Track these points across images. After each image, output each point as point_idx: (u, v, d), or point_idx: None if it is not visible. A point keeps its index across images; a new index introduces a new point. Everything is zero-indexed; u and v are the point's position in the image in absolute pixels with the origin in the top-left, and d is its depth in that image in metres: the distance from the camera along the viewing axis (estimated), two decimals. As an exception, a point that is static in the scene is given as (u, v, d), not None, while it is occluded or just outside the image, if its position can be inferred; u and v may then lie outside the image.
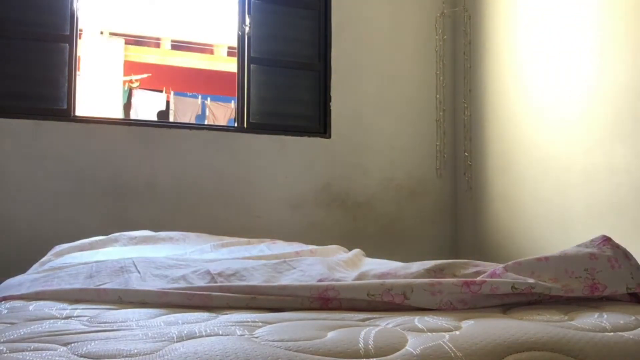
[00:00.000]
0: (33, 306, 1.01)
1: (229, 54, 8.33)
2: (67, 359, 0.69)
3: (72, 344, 0.76)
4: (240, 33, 3.49)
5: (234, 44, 3.58)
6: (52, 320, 0.89)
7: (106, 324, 0.89)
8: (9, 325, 0.87)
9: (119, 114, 7.36)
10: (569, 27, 3.02)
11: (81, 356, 0.71)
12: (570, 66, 3.00)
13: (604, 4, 2.80)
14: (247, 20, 3.47)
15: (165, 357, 0.69)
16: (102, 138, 3.11)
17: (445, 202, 3.84)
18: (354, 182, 3.62)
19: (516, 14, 3.40)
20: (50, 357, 0.69)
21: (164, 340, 0.77)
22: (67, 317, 0.92)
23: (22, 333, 0.80)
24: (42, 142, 3.00)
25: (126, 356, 0.70)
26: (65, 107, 3.08)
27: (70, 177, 3.03)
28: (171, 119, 7.56)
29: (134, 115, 7.52)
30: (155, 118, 7.40)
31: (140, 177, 3.16)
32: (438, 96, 3.85)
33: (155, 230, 2.68)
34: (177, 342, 0.77)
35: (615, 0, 2.74)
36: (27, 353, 0.70)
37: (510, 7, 3.45)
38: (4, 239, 2.88)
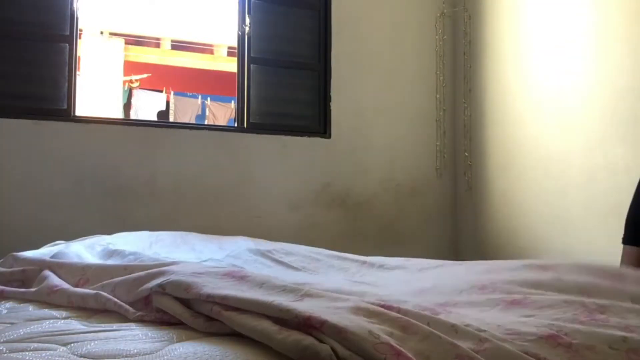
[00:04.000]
0: (33, 306, 1.00)
1: (229, 54, 8.31)
2: (67, 359, 0.69)
3: (72, 344, 0.75)
4: (240, 33, 3.49)
5: (234, 44, 3.58)
6: (52, 320, 0.89)
7: (106, 324, 0.88)
8: (8, 325, 0.86)
9: (119, 114, 7.35)
10: (569, 27, 3.02)
11: (81, 356, 0.70)
12: (570, 66, 3.00)
13: (605, 3, 2.80)
14: (247, 20, 3.47)
15: (165, 357, 0.69)
16: (102, 138, 3.11)
17: (445, 202, 3.84)
18: (354, 182, 3.61)
19: (516, 13, 3.40)
20: (49, 357, 0.69)
21: (164, 341, 0.77)
22: (66, 318, 0.92)
23: (21, 333, 0.79)
24: (42, 142, 2.99)
25: (126, 356, 0.70)
26: (65, 107, 3.08)
27: (70, 177, 3.03)
28: (171, 119, 7.56)
29: (134, 115, 7.51)
30: (155, 118, 7.39)
31: (140, 177, 3.15)
32: (438, 96, 3.84)
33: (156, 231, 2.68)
34: (176, 342, 0.77)
35: (615, 0, 2.74)
36: (27, 353, 0.69)
37: (510, 7, 3.45)
38: (4, 238, 2.88)
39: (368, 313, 0.95)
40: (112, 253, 1.70)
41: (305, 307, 0.92)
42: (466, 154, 3.75)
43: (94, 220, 3.01)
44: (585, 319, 1.07)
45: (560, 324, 1.02)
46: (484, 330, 0.98)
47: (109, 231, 2.56)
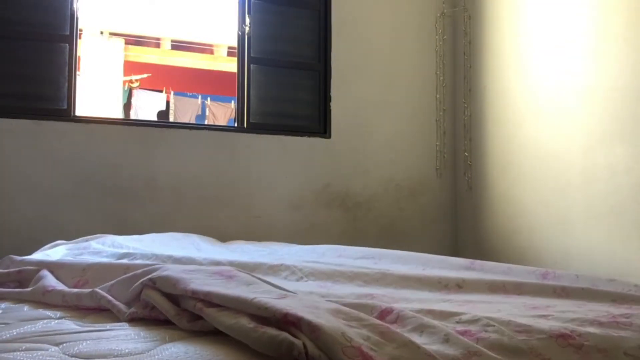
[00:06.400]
0: (28, 306, 1.00)
1: (229, 54, 8.30)
2: (58, 359, 0.69)
3: (64, 344, 0.75)
4: (240, 33, 3.49)
5: (234, 44, 3.58)
6: (45, 320, 0.89)
7: (99, 324, 0.88)
8: (3, 325, 0.86)
9: (119, 114, 7.35)
10: (569, 27, 3.01)
11: (72, 356, 0.70)
12: (570, 66, 2.99)
13: (605, 3, 2.80)
14: (247, 20, 3.47)
15: (156, 356, 0.69)
16: (102, 138, 3.11)
17: (446, 202, 3.83)
18: (354, 182, 3.61)
19: (516, 13, 3.40)
20: (41, 357, 0.68)
21: (155, 340, 0.77)
22: (60, 318, 0.92)
23: (14, 333, 0.79)
24: (42, 142, 2.99)
25: (117, 356, 0.70)
26: (65, 107, 3.08)
27: (70, 177, 3.03)
28: (171, 119, 7.55)
29: (134, 115, 7.50)
30: (155, 118, 7.39)
31: (140, 177, 3.15)
32: (438, 96, 3.84)
33: (156, 231, 2.68)
34: (168, 342, 0.77)
35: (615, 0, 2.74)
36: (19, 353, 0.69)
37: (510, 7, 3.45)
38: (4, 239, 2.88)
39: (348, 317, 0.95)
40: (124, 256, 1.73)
41: (284, 304, 0.93)
42: (466, 154, 3.74)
43: (94, 220, 3.01)
44: (606, 320, 1.05)
45: (575, 326, 1.01)
46: (492, 325, 0.98)
47: (109, 231, 2.56)
